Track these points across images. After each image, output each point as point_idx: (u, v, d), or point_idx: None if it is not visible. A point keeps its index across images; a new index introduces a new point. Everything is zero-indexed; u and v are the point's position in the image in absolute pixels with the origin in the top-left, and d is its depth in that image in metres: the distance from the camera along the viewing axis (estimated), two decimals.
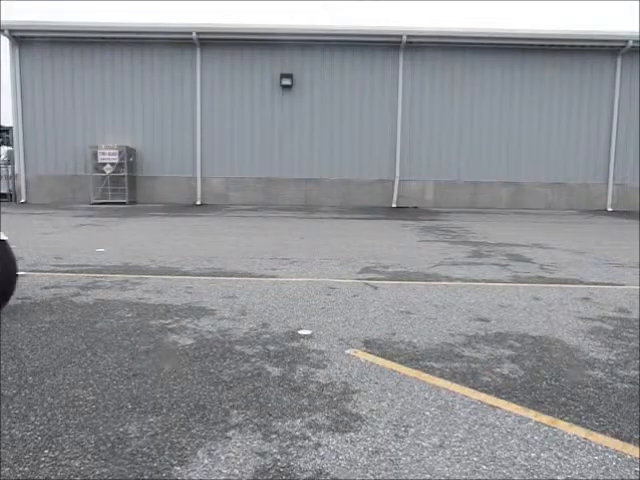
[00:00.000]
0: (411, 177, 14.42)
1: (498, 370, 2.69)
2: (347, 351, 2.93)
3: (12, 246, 3.67)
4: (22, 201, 14.63)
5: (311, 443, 1.95)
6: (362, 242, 7.50)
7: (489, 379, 2.58)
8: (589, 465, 1.83)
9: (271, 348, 2.96)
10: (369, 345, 3.03)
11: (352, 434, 2.02)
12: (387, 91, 14.32)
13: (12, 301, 3.89)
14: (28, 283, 4.52)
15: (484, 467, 1.81)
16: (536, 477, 1.76)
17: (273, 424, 2.09)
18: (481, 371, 2.67)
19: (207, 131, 14.54)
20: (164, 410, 2.19)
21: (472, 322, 3.53)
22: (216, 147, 14.57)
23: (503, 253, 6.53)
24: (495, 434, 2.04)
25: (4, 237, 3.41)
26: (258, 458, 1.85)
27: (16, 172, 14.88)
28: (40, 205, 13.77)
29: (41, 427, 2.04)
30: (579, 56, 14.22)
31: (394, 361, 2.78)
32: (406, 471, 1.78)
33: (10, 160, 14.86)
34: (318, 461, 1.83)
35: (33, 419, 2.10)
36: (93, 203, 14.02)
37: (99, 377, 2.53)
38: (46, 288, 4.34)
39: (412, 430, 2.06)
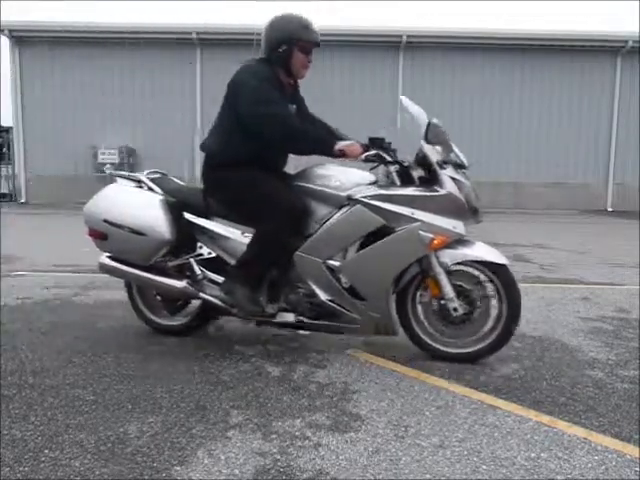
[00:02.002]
0: None
1: (498, 370, 2.69)
2: (347, 351, 2.93)
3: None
4: (22, 201, 14.63)
5: (311, 443, 1.95)
6: None
7: (489, 379, 2.58)
8: (589, 465, 1.84)
9: (271, 348, 2.96)
10: (369, 345, 3.03)
11: (352, 434, 2.02)
12: (387, 91, 14.31)
13: (12, 301, 3.89)
14: (28, 283, 4.52)
15: (484, 467, 1.81)
16: (536, 477, 1.76)
17: (273, 424, 2.09)
18: (481, 371, 2.68)
19: (207, 131, 14.52)
20: (164, 410, 2.19)
21: None
22: None
23: (503, 253, 6.53)
24: (495, 434, 2.04)
25: (504, 261, 2.71)
26: (258, 458, 1.85)
27: (16, 172, 14.88)
28: (40, 205, 13.77)
29: (41, 427, 2.04)
30: (579, 56, 14.21)
31: (394, 361, 2.78)
32: (406, 471, 1.78)
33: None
34: (318, 461, 1.83)
35: (33, 419, 2.10)
36: None
37: (99, 377, 2.53)
38: (46, 288, 4.34)
39: (412, 430, 2.06)
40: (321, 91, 14.44)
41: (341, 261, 2.69)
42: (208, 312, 3.04)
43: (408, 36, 13.75)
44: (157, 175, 3.08)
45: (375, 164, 2.77)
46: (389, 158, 2.68)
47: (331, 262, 2.69)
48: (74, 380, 2.49)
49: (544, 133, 14.46)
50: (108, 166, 14.10)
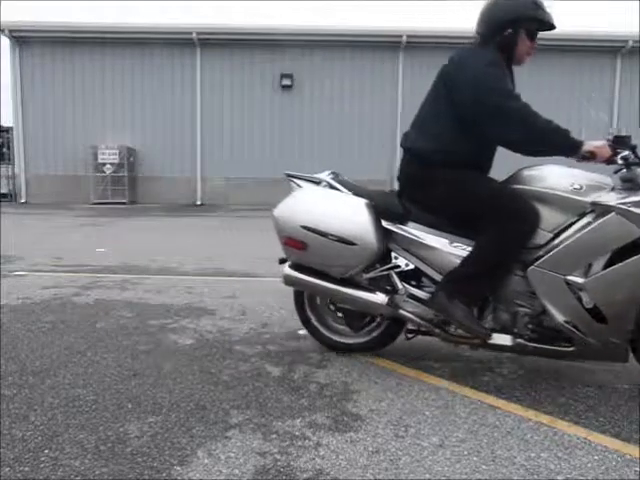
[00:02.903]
0: None
1: (498, 370, 2.69)
2: None
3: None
4: (22, 201, 14.63)
5: (311, 443, 1.95)
6: None
7: (489, 379, 2.58)
8: (589, 465, 1.84)
9: (271, 348, 2.96)
10: None
11: (352, 434, 2.03)
12: (387, 91, 14.32)
13: (12, 301, 3.89)
14: (28, 283, 4.52)
15: (484, 467, 1.81)
16: (536, 477, 1.76)
17: (273, 424, 2.09)
18: (481, 371, 2.68)
19: (207, 131, 14.53)
20: (164, 410, 2.19)
21: None
22: (216, 147, 14.57)
23: None
24: (495, 434, 2.04)
25: None
26: (258, 458, 1.85)
27: (16, 172, 14.88)
28: (40, 205, 13.77)
29: (41, 427, 2.04)
30: (579, 56, 14.21)
31: (394, 361, 2.78)
32: (406, 471, 1.78)
33: None
34: (318, 461, 1.83)
35: (33, 419, 2.10)
36: (93, 203, 14.01)
37: (99, 377, 2.53)
38: (46, 288, 4.34)
39: (412, 430, 2.06)
40: (320, 91, 14.46)
41: (584, 277, 2.29)
42: (396, 330, 2.78)
43: (408, 36, 13.75)
44: (332, 176, 2.77)
45: (620, 166, 2.37)
46: (636, 159, 2.31)
47: (572, 278, 2.30)
48: (74, 380, 2.49)
49: None
50: (108, 166, 14.10)
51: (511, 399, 2.35)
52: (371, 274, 2.65)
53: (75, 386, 2.42)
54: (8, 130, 15.28)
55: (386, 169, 14.43)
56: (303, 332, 3.22)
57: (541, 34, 2.52)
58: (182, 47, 14.31)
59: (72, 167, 14.64)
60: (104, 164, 14.10)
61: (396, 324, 2.75)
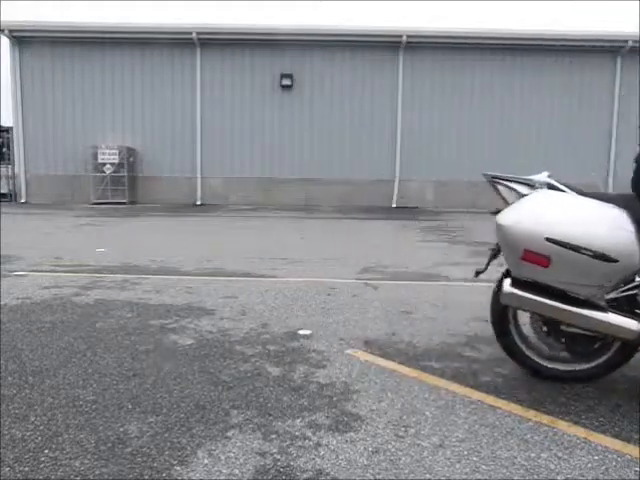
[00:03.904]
0: (411, 177, 14.41)
1: (498, 370, 2.69)
2: (347, 351, 2.93)
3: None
4: (22, 201, 14.61)
5: (311, 443, 1.95)
6: (362, 242, 7.49)
7: (489, 379, 2.58)
8: (589, 465, 1.84)
9: (271, 348, 2.96)
10: (369, 345, 3.03)
11: (352, 434, 2.02)
12: (387, 91, 14.31)
13: (12, 301, 3.89)
14: (28, 283, 4.52)
15: (484, 467, 1.81)
16: (536, 477, 1.76)
17: (273, 424, 2.09)
18: (481, 371, 2.67)
19: (207, 131, 14.52)
20: (164, 410, 2.19)
21: (472, 322, 3.53)
22: (216, 147, 14.56)
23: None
24: (495, 434, 2.04)
25: None
26: (258, 458, 1.85)
27: (16, 172, 14.87)
28: (40, 205, 13.76)
29: (41, 427, 2.04)
30: (579, 56, 14.21)
31: (394, 361, 2.78)
32: (406, 471, 1.78)
33: None
34: (318, 461, 1.83)
35: (33, 419, 2.10)
36: (93, 203, 13.99)
37: (99, 377, 2.53)
38: (46, 288, 4.34)
39: (412, 430, 2.06)
40: (320, 91, 14.45)
41: None
42: (625, 357, 2.44)
43: (408, 36, 13.73)
44: (551, 178, 2.41)
45: None
46: None
47: None
48: (74, 380, 2.49)
49: (544, 133, 14.46)
50: (108, 166, 14.10)
51: (511, 399, 2.35)
52: (612, 294, 2.28)
53: (75, 386, 2.42)
54: (8, 130, 15.27)
55: (387, 169, 14.42)
56: (303, 332, 3.22)
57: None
58: (182, 47, 14.30)
59: (72, 167, 14.63)
60: (104, 164, 14.09)
61: (626, 350, 2.40)
